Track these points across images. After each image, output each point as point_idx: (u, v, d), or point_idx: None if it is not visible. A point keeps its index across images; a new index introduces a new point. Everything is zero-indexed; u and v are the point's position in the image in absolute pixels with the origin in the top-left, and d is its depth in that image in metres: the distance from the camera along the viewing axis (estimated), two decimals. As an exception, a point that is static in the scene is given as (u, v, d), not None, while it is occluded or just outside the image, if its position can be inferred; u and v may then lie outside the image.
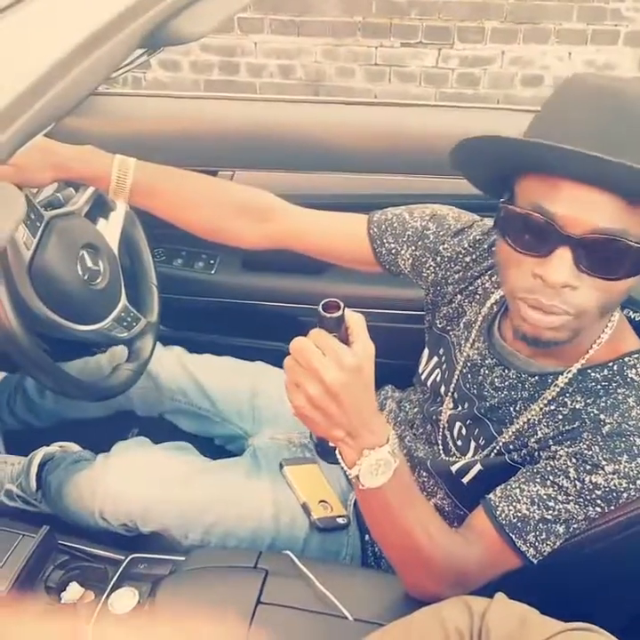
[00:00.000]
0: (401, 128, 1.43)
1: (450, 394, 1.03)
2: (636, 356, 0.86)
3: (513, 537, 0.84)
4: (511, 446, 0.93)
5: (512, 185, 0.80)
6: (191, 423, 1.38)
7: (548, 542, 0.84)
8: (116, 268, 1.15)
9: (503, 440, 0.94)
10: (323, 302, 0.73)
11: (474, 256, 1.02)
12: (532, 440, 0.90)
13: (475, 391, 0.98)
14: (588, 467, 0.82)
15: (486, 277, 1.01)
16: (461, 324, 1.03)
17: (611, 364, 0.87)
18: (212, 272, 1.51)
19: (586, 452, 0.83)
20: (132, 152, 1.41)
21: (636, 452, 0.81)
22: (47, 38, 0.69)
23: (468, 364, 0.99)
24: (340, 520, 1.10)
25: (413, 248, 1.04)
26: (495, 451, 0.95)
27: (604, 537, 0.86)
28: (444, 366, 1.05)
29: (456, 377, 1.01)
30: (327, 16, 3.32)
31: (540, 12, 3.16)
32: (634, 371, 0.85)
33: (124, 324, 1.14)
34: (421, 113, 1.49)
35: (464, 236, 1.02)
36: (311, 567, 0.92)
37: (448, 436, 1.03)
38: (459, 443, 1.01)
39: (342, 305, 0.72)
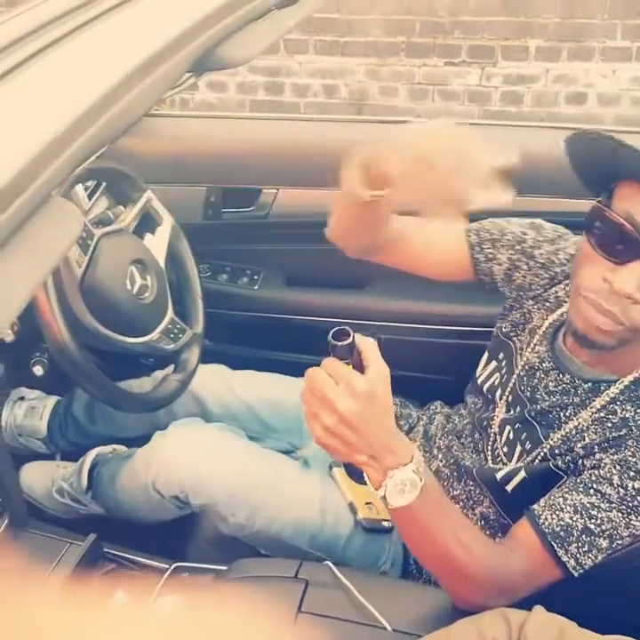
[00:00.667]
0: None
1: (505, 397, 1.05)
2: None
3: (555, 546, 0.84)
4: (556, 451, 0.93)
5: (612, 188, 0.82)
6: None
7: (590, 555, 0.84)
8: (164, 282, 1.19)
9: (549, 445, 0.95)
10: (333, 330, 0.75)
11: (564, 268, 1.03)
12: (579, 446, 0.91)
13: (528, 394, 1.00)
14: (631, 473, 0.83)
15: (562, 286, 1.03)
16: (526, 330, 1.05)
17: None
18: (256, 287, 1.54)
19: (630, 458, 0.84)
20: (179, 172, 1.47)
21: None
22: (105, 62, 0.73)
23: (527, 367, 1.02)
24: (385, 523, 1.11)
25: (511, 252, 1.06)
26: (540, 456, 0.96)
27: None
28: (504, 371, 1.08)
29: (513, 380, 1.04)
30: (371, 36, 3.36)
31: (585, 29, 3.15)
32: None
33: (171, 335, 1.18)
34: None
35: (560, 246, 1.05)
36: (351, 577, 0.93)
37: (497, 440, 1.05)
38: (505, 449, 1.02)
39: (352, 332, 0.75)
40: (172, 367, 1.22)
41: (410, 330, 1.52)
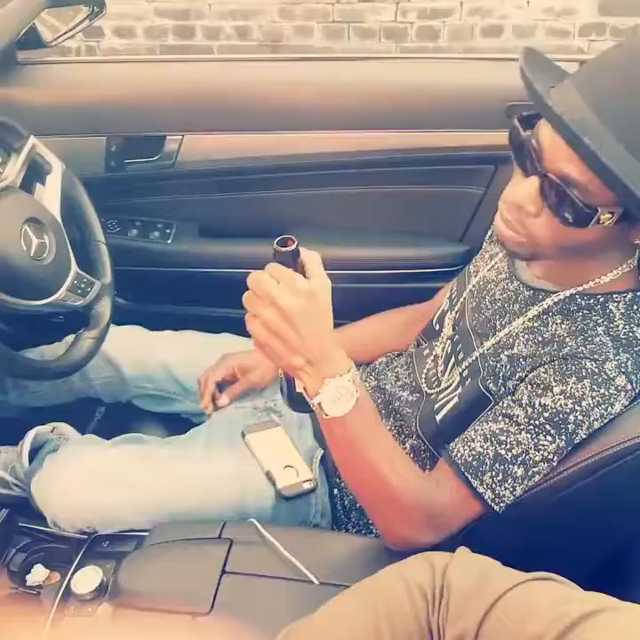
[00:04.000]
0: (361, 82, 1.40)
1: (451, 316, 1.09)
2: (624, 294, 0.90)
3: (469, 477, 0.85)
4: (486, 362, 0.95)
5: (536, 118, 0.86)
6: (158, 405, 1.35)
7: (507, 485, 0.85)
8: (62, 236, 1.11)
9: (481, 352, 0.97)
10: (278, 238, 0.77)
11: None
12: (505, 354, 0.93)
13: (474, 305, 1.04)
14: (539, 390, 0.85)
15: None
16: (487, 256, 1.10)
17: (598, 296, 0.90)
18: (169, 241, 1.47)
19: (542, 374, 0.86)
20: (76, 122, 1.37)
21: (584, 374, 0.83)
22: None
23: (481, 283, 1.06)
24: (306, 485, 1.09)
25: None
26: (469, 364, 0.98)
27: (564, 487, 0.85)
28: (454, 294, 1.12)
29: (463, 297, 1.08)
30: (282, -26, 3.24)
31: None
32: (616, 305, 0.89)
33: (79, 291, 1.11)
34: (374, 66, 1.46)
35: None
36: (276, 534, 0.91)
37: (436, 360, 1.07)
38: (441, 367, 1.05)
39: (296, 240, 0.77)
40: (86, 323, 1.15)
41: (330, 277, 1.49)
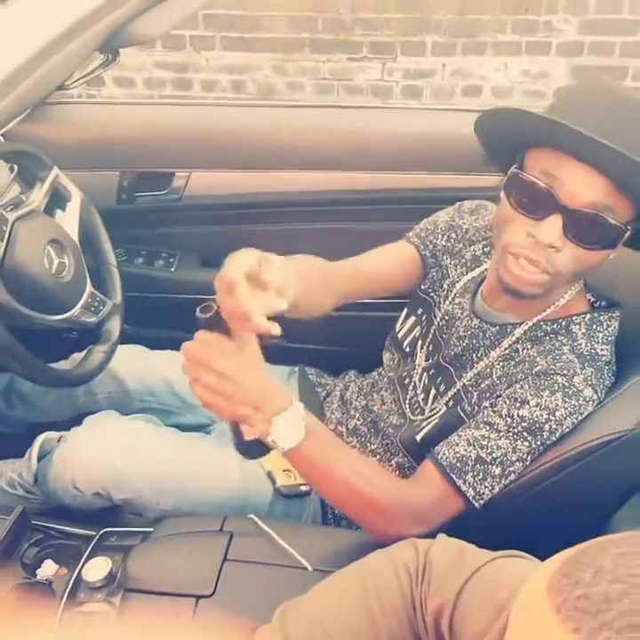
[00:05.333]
0: (352, 126, 1.53)
1: (425, 347, 1.15)
2: (583, 316, 1.00)
3: (453, 476, 0.94)
4: (468, 392, 1.03)
5: (523, 156, 0.92)
6: (159, 418, 1.43)
7: (486, 484, 0.94)
8: (80, 257, 1.21)
9: (463, 383, 1.04)
10: (199, 306, 0.86)
11: (480, 231, 1.15)
12: (485, 384, 1.01)
13: (445, 341, 1.10)
14: (517, 404, 0.93)
15: (479, 246, 1.14)
16: (445, 285, 1.15)
17: (560, 320, 1.00)
18: (172, 270, 1.57)
19: (519, 390, 0.94)
20: (91, 157, 1.49)
21: (556, 388, 0.93)
22: (15, 39, 0.76)
23: (446, 317, 1.12)
24: (303, 488, 1.18)
25: (446, 235, 1.17)
26: (453, 396, 1.05)
27: (534, 484, 0.96)
28: (424, 324, 1.18)
29: (433, 331, 1.14)
30: (276, 33, 3.43)
31: (477, 25, 3.32)
32: (577, 327, 0.99)
33: (92, 309, 1.20)
34: (366, 114, 1.60)
35: (479, 215, 1.17)
36: (273, 527, 0.99)
37: (416, 388, 1.14)
38: (422, 395, 1.12)
39: (215, 305, 0.85)
40: (97, 339, 1.25)
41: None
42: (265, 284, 0.80)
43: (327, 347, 1.58)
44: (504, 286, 0.96)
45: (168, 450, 1.21)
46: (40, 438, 1.29)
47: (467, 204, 1.19)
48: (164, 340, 1.52)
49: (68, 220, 1.24)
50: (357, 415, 1.25)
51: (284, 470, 1.20)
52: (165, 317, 1.60)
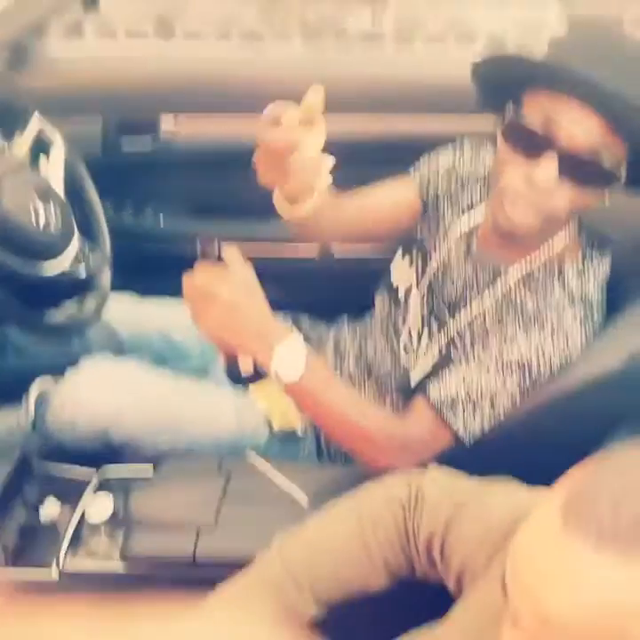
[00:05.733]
0: (344, 71, 1.48)
1: (419, 292, 1.15)
2: (576, 256, 1.01)
3: (444, 414, 0.96)
4: (461, 334, 1.05)
5: (519, 99, 0.92)
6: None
7: (476, 421, 0.96)
8: (66, 206, 1.20)
9: (455, 327, 1.06)
10: (198, 241, 0.89)
11: (479, 173, 1.14)
12: (478, 326, 1.02)
13: (440, 285, 1.11)
14: (507, 342, 0.96)
15: (477, 188, 1.14)
16: (441, 230, 1.15)
17: (553, 261, 1.00)
18: (161, 220, 1.57)
19: (509, 330, 0.96)
20: (73, 104, 1.45)
21: (545, 326, 0.95)
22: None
23: (441, 261, 1.12)
24: (299, 429, 1.20)
25: (447, 178, 1.16)
26: (446, 338, 1.07)
27: (527, 420, 0.98)
28: (418, 268, 1.18)
29: (427, 275, 1.14)
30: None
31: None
32: (569, 267, 1.00)
33: (81, 260, 1.20)
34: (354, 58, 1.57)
35: (479, 156, 1.16)
36: (270, 464, 1.02)
37: (409, 330, 1.15)
38: (415, 340, 1.14)
39: (216, 240, 0.88)
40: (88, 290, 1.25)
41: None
42: (312, 119, 0.80)
43: (319, 294, 1.59)
44: (499, 229, 0.97)
45: (165, 390, 1.23)
46: (36, 383, 1.30)
47: (468, 144, 1.18)
48: (154, 290, 1.53)
49: (53, 169, 1.23)
50: (351, 361, 1.27)
51: (281, 412, 1.23)
52: (155, 270, 1.61)
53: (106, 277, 1.26)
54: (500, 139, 0.94)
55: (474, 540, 0.76)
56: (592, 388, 0.94)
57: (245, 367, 0.91)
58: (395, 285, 1.23)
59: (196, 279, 0.88)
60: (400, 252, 1.24)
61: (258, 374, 0.93)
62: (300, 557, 0.83)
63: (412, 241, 1.21)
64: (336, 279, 1.59)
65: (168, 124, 1.48)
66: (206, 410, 1.22)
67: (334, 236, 1.16)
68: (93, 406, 1.16)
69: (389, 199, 1.19)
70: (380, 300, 1.26)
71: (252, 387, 1.24)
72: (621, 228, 1.08)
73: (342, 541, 0.84)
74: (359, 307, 1.36)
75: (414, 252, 1.21)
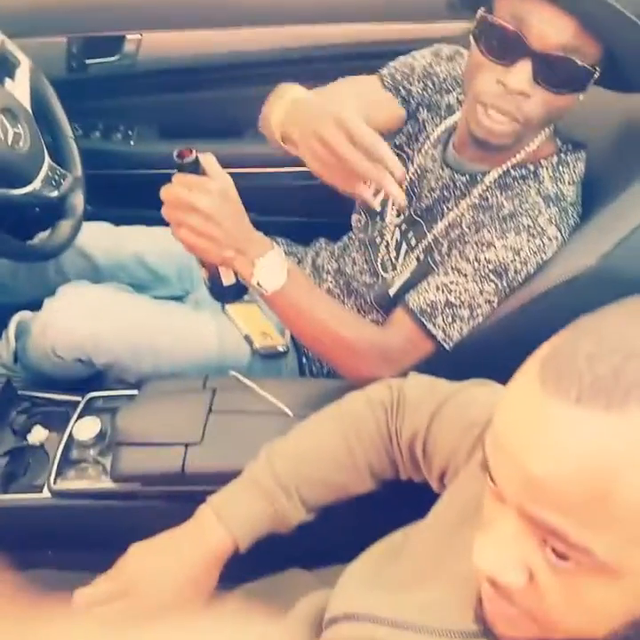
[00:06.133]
0: None
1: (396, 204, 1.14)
2: (550, 159, 1.01)
3: (423, 320, 0.98)
4: (438, 243, 1.05)
5: (491, 2, 0.90)
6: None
7: (455, 326, 0.98)
8: (35, 128, 1.17)
9: (432, 235, 1.07)
10: (176, 151, 0.86)
11: (456, 79, 1.12)
12: (455, 233, 1.03)
13: (416, 193, 1.11)
14: (483, 248, 0.97)
15: (454, 95, 1.12)
16: (420, 139, 1.14)
17: (529, 165, 1.01)
18: (131, 142, 1.53)
19: (486, 234, 0.97)
20: (36, 23, 1.40)
21: (520, 228, 0.96)
22: None
23: (418, 171, 1.12)
24: (280, 348, 1.22)
25: (422, 83, 1.13)
26: (424, 248, 1.08)
27: (505, 323, 0.99)
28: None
29: (405, 185, 1.13)
30: None
31: None
32: (544, 170, 1.00)
33: (53, 183, 1.18)
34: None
35: (457, 62, 1.13)
36: (254, 382, 1.03)
37: (387, 246, 1.16)
38: (393, 253, 1.14)
39: (194, 150, 0.86)
40: (61, 213, 1.23)
41: (290, 174, 1.57)
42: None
43: (296, 217, 1.58)
44: (474, 138, 0.97)
45: (144, 313, 1.23)
46: (16, 317, 1.29)
47: (445, 50, 1.15)
48: (128, 218, 1.51)
49: (19, 89, 1.19)
50: (330, 279, 1.28)
51: (261, 333, 1.24)
52: (129, 195, 1.58)
53: (79, 200, 1.24)
54: (472, 43, 0.92)
55: (455, 435, 0.79)
56: (566, 288, 0.95)
57: (227, 279, 0.91)
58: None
59: (174, 189, 0.87)
60: None
61: (239, 289, 0.93)
62: (287, 465, 0.85)
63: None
64: (312, 201, 1.58)
65: (134, 43, 1.43)
66: (187, 333, 1.22)
67: None
68: (72, 332, 1.17)
69: (381, 116, 1.14)
70: (357, 220, 1.26)
71: (230, 308, 1.26)
72: (596, 130, 1.08)
73: (327, 447, 0.87)
74: (336, 229, 1.35)
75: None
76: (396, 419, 0.87)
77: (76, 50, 1.43)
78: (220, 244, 0.88)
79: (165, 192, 0.88)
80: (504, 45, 0.88)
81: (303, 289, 0.97)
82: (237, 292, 0.95)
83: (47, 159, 1.20)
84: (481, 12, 0.91)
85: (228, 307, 1.26)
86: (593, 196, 1.03)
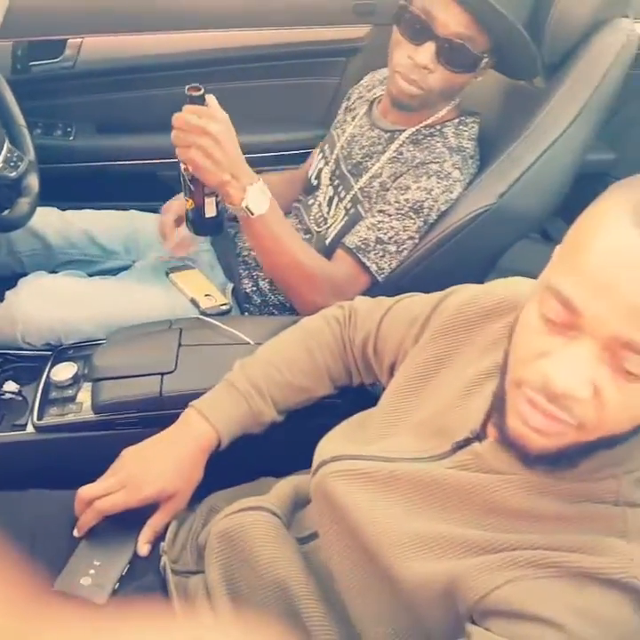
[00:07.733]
0: None
1: (328, 168, 1.36)
2: (454, 121, 1.25)
3: (359, 255, 1.18)
4: (364, 192, 1.25)
5: None
6: (82, 269, 1.51)
7: (385, 260, 1.18)
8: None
9: (359, 186, 1.26)
10: (187, 86, 1.02)
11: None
12: (378, 182, 1.23)
13: (346, 154, 1.32)
14: (402, 191, 1.18)
15: (377, 76, 1.39)
16: (348, 116, 1.38)
17: (436, 125, 1.24)
18: (71, 138, 1.65)
19: (404, 181, 1.19)
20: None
21: (431, 173, 1.18)
22: None
23: (349, 138, 1.34)
24: (224, 307, 1.34)
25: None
26: (351, 198, 1.27)
27: (425, 257, 1.20)
28: (327, 151, 1.38)
29: (336, 152, 1.35)
30: None
31: None
32: (448, 128, 1.24)
33: (11, 164, 1.28)
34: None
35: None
36: (215, 319, 1.17)
37: (321, 204, 1.35)
38: (326, 208, 1.33)
39: (202, 87, 1.02)
40: (19, 191, 1.32)
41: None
42: None
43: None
44: (392, 100, 1.21)
45: (101, 292, 1.34)
46: None
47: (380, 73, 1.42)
48: (71, 208, 1.61)
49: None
50: None
51: (206, 295, 1.36)
52: (69, 188, 1.67)
53: (34, 181, 1.34)
54: (394, 26, 1.15)
55: (401, 331, 0.94)
56: (474, 224, 1.16)
57: (210, 212, 1.06)
58: (309, 179, 1.41)
59: (186, 116, 1.02)
60: (317, 149, 1.43)
61: (217, 223, 1.08)
62: (258, 371, 0.99)
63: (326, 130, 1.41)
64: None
65: (74, 47, 1.56)
66: (140, 302, 1.33)
67: None
68: (40, 321, 1.24)
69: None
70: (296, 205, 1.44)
71: (174, 276, 1.39)
72: (490, 103, 1.32)
73: (292, 356, 1.02)
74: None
75: (326, 143, 1.40)
76: (349, 328, 1.03)
77: (20, 52, 1.54)
78: (221, 167, 1.04)
79: (177, 119, 1.02)
80: (416, 29, 1.12)
81: (280, 218, 1.14)
82: (215, 226, 1.10)
83: (6, 142, 1.30)
84: (401, 1, 1.14)
85: (171, 275, 1.38)
86: (486, 153, 1.26)
